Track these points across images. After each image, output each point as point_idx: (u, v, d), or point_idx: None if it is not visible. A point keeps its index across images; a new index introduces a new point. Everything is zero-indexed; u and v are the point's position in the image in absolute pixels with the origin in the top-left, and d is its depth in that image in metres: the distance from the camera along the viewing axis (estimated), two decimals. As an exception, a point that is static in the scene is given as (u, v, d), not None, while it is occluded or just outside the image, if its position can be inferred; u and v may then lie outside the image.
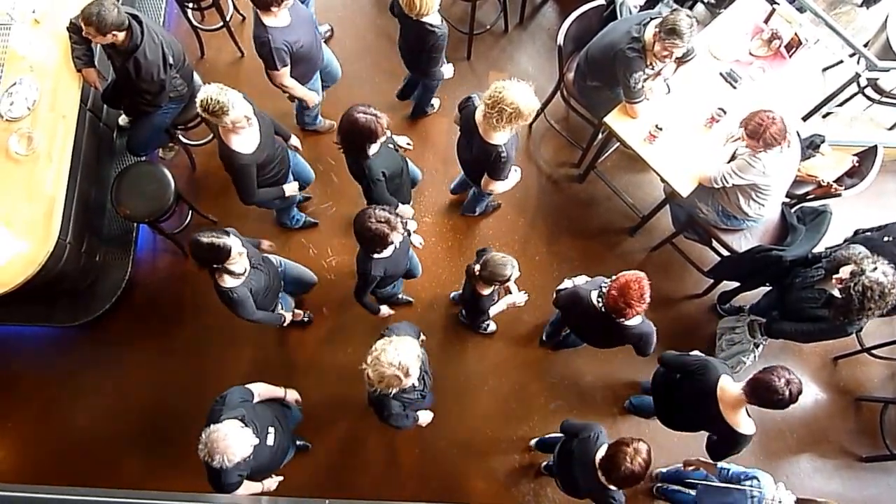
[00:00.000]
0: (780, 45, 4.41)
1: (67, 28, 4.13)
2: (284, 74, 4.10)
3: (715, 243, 4.44)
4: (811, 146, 4.33)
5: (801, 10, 4.45)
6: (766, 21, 4.47)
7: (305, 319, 4.76)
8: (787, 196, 4.28)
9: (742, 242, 4.25)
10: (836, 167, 4.33)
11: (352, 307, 4.79)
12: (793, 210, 4.33)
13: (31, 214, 4.02)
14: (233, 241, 3.31)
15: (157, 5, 5.30)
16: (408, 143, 4.19)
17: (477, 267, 3.54)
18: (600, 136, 4.73)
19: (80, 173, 4.40)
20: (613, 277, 3.20)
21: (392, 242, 3.38)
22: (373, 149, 3.60)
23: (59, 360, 4.84)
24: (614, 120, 4.29)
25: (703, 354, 3.58)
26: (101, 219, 4.86)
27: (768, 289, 4.42)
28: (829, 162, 4.35)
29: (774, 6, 4.42)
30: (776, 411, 4.51)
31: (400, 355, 2.94)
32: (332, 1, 5.64)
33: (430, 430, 4.57)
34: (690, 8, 5.22)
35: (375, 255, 3.50)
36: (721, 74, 4.38)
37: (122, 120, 5.02)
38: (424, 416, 3.87)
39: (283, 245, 4.94)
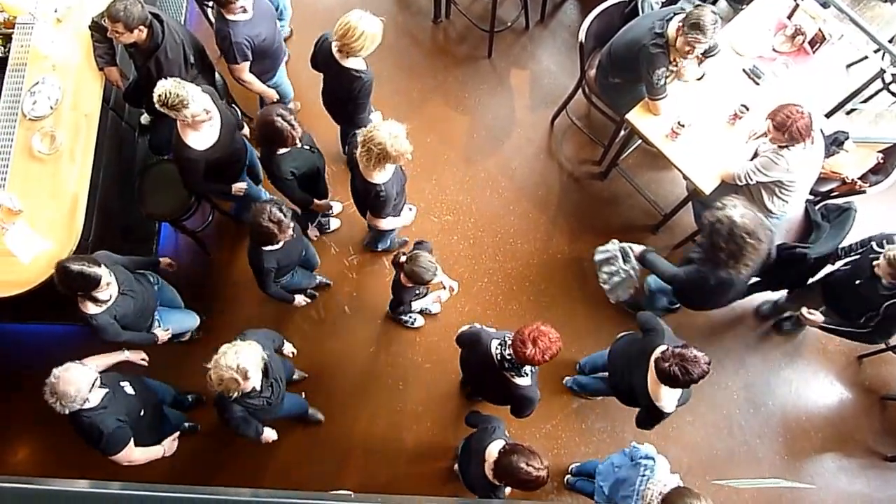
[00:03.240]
0: (803, 41, 4.38)
1: (89, 27, 4.14)
2: (244, 69, 4.14)
3: (738, 241, 4.40)
4: (835, 143, 4.30)
5: (825, 5, 4.42)
6: (790, 17, 4.44)
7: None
8: (811, 193, 4.25)
9: (765, 240, 4.22)
10: (861, 164, 4.31)
11: (374, 305, 4.87)
12: (817, 207, 4.29)
13: (55, 213, 4.03)
14: (102, 272, 3.31)
15: (179, 4, 5.29)
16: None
17: (403, 258, 3.55)
18: (622, 133, 4.70)
19: (103, 172, 4.40)
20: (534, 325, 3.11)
21: (279, 242, 3.50)
22: (282, 149, 3.66)
23: (81, 358, 4.82)
24: (637, 117, 4.27)
25: (663, 324, 3.54)
26: (124, 217, 4.85)
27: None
28: (853, 159, 4.32)
29: (798, 2, 4.39)
30: (800, 411, 4.63)
31: (239, 359, 2.98)
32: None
33: (457, 431, 4.59)
34: (713, 3, 5.19)
35: (265, 248, 3.57)
36: (744, 71, 4.35)
37: (144, 119, 5.02)
38: (268, 433, 3.73)
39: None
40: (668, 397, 3.28)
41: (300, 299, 4.34)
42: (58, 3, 4.37)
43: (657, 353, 3.23)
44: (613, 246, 4.25)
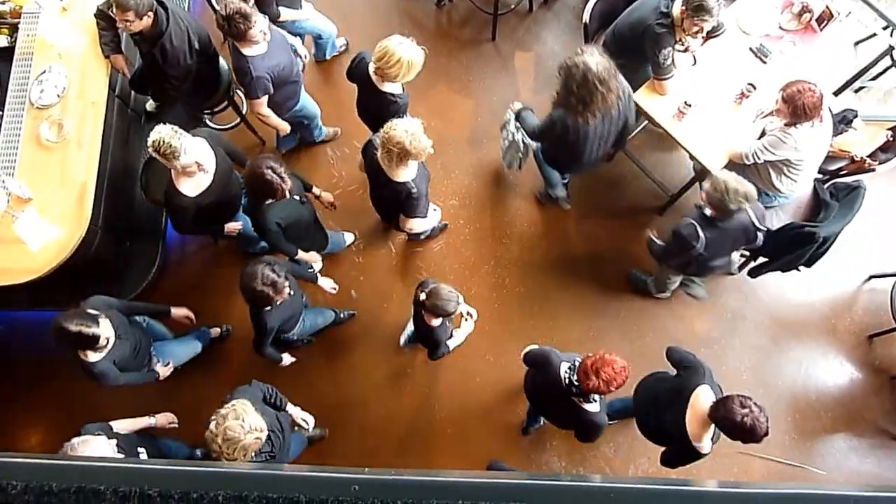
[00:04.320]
0: (810, 19, 4.34)
1: (95, 15, 4.17)
2: (262, 103, 4.06)
3: (746, 221, 4.38)
4: (844, 121, 4.27)
5: (832, -18, 4.37)
6: (797, -6, 4.40)
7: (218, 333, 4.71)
8: (819, 172, 4.22)
9: (773, 220, 4.19)
10: (870, 142, 4.27)
11: (381, 289, 4.89)
12: (825, 186, 4.26)
13: (63, 200, 4.07)
14: (101, 330, 3.28)
15: (182, -9, 5.32)
16: (331, 204, 4.40)
17: (423, 295, 3.45)
18: (628, 114, 4.68)
19: (110, 160, 4.43)
20: (597, 354, 3.06)
21: (275, 303, 3.39)
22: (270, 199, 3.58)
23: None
24: (642, 97, 4.24)
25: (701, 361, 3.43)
26: (131, 205, 4.89)
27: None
28: (862, 137, 4.29)
29: (805, -22, 4.34)
30: (810, 391, 4.61)
31: (243, 422, 2.90)
32: (356, -15, 5.65)
33: (468, 417, 4.61)
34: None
35: (266, 308, 3.48)
36: (751, 49, 4.32)
37: (150, 106, 5.04)
38: None
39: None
40: (707, 438, 3.18)
41: (287, 359, 4.14)
42: (62, -8, 4.40)
43: (713, 396, 3.12)
44: (510, 114, 4.34)
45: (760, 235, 3.77)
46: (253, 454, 2.99)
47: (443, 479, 1.40)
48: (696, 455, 3.20)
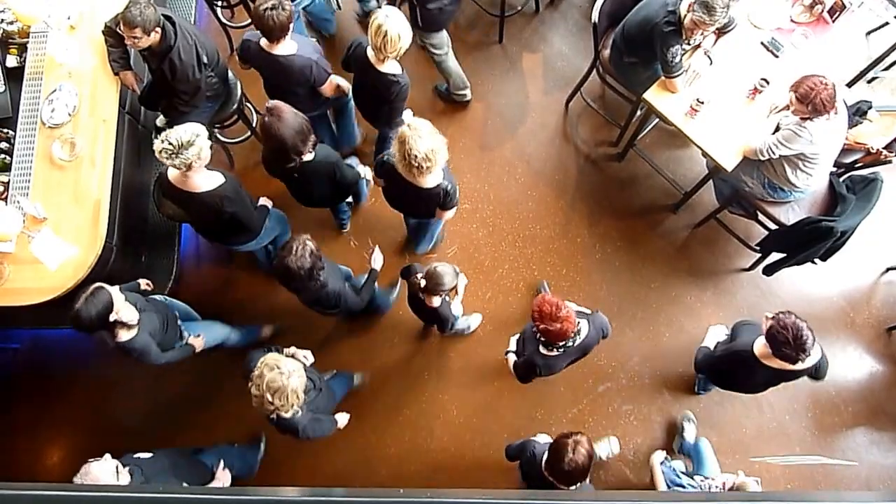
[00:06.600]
0: (822, 10, 4.28)
1: (103, 32, 4.16)
2: (334, 79, 4.11)
3: (761, 216, 4.35)
4: (858, 113, 4.23)
5: (843, -28, 4.32)
6: (807, -14, 4.35)
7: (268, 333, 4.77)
8: (835, 165, 4.19)
9: (790, 215, 4.17)
10: (885, 133, 4.24)
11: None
12: (841, 179, 4.22)
13: (78, 219, 4.08)
14: (105, 287, 3.29)
15: (188, 4, 5.32)
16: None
17: (422, 282, 3.47)
18: (639, 112, 4.65)
19: (122, 176, 4.43)
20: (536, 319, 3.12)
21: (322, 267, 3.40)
22: (307, 156, 3.58)
23: (110, 362, 4.90)
24: (654, 95, 4.21)
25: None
26: (145, 220, 4.91)
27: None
28: (877, 128, 4.26)
29: (815, -31, 4.29)
30: (829, 386, 4.58)
31: (280, 369, 2.96)
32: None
33: (485, 419, 4.62)
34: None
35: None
36: (762, 44, 4.27)
37: (160, 121, 5.02)
38: (341, 419, 3.81)
39: (322, 236, 4.93)
40: None
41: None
42: (71, 10, 4.40)
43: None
44: None
45: None
46: (304, 395, 3.06)
47: (481, 500, 1.39)
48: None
